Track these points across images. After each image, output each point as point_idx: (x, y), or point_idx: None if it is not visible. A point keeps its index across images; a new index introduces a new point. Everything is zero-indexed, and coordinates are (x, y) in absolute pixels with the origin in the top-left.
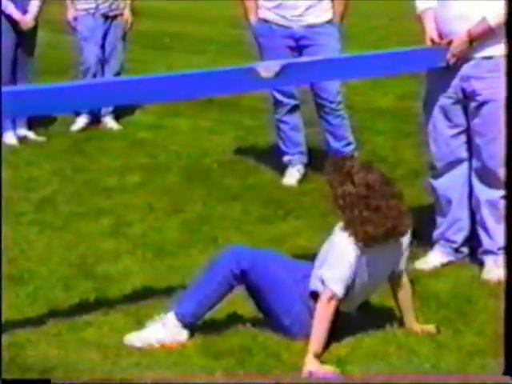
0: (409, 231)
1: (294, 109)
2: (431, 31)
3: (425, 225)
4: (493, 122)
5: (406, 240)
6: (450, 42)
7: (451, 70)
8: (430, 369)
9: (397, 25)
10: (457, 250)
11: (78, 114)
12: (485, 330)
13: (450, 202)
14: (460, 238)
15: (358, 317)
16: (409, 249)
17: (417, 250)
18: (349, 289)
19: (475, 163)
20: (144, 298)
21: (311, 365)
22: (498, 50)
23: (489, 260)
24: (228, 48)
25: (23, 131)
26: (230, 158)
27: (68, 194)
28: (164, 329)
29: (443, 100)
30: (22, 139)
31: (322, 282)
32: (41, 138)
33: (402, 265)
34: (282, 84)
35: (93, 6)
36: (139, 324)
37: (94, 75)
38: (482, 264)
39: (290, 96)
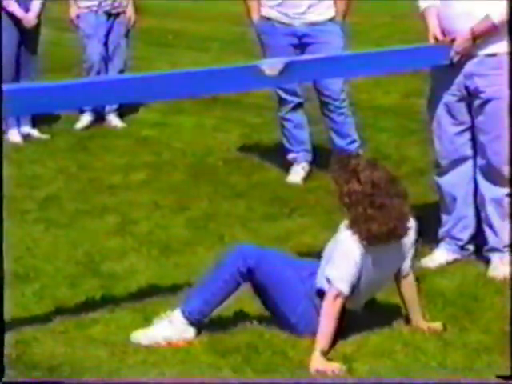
0: (410, 232)
1: (297, 106)
2: (434, 29)
3: (430, 223)
4: (497, 119)
5: (411, 238)
6: (453, 40)
7: (455, 67)
8: (436, 366)
9: (400, 22)
10: (462, 248)
11: (82, 112)
12: (491, 327)
13: (455, 199)
14: (465, 235)
15: (364, 314)
16: (414, 246)
17: (422, 248)
18: (354, 287)
19: (480, 161)
20: (150, 296)
21: (318, 362)
22: (502, 47)
23: (495, 257)
24: (232, 45)
25: (27, 129)
26: (234, 156)
27: (73, 191)
28: (171, 326)
29: (447, 97)
30: (26, 137)
31: (328, 280)
32: (45, 136)
33: (408, 262)
34: (285, 82)
35: (95, 3)
36: (146, 321)
37: (98, 73)
38: (487, 261)
39: (294, 94)
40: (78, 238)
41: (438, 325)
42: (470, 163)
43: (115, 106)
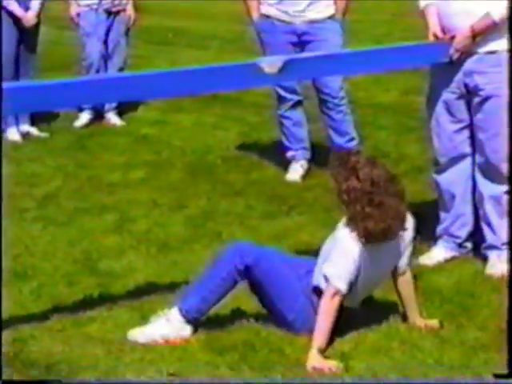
0: (407, 230)
1: (296, 104)
2: (434, 26)
3: (428, 220)
4: (496, 117)
5: (409, 235)
6: (452, 37)
7: (454, 65)
8: (433, 364)
9: (399, 20)
10: (460, 245)
11: (81, 110)
12: (488, 325)
13: (453, 197)
14: (463, 233)
15: (361, 312)
16: (412, 244)
17: (420, 246)
18: (352, 284)
19: (478, 158)
20: (148, 294)
21: (315, 360)
22: (501, 44)
23: (492, 255)
24: (231, 43)
25: (26, 127)
26: (233, 154)
27: (71, 190)
28: (168, 324)
29: (446, 95)
30: (25, 135)
31: (326, 278)
32: (44, 134)
33: (405, 260)
34: (285, 79)
35: (95, 1)
36: (143, 319)
37: (97, 71)
38: (485, 259)
39: (293, 92)
40: (76, 236)
41: (434, 322)
42: (468, 161)
43: (114, 105)
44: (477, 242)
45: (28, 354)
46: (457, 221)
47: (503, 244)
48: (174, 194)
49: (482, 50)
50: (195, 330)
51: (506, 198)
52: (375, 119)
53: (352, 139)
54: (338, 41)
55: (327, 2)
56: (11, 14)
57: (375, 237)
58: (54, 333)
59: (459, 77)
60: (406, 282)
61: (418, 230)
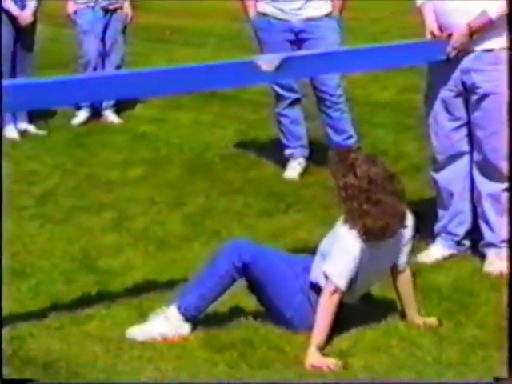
0: (406, 228)
1: (294, 102)
2: (431, 24)
3: (427, 218)
4: (493, 115)
5: (408, 233)
6: (450, 35)
7: (451, 63)
8: (431, 361)
9: (397, 18)
10: (458, 243)
11: (78, 108)
12: (486, 322)
13: (451, 195)
14: (462, 230)
15: (360, 309)
16: (411, 242)
17: (418, 243)
18: (351, 282)
19: (476, 156)
20: (146, 292)
21: (313, 358)
22: (499, 42)
23: (491, 253)
24: (228, 41)
25: (24, 125)
26: (231, 152)
27: (69, 187)
28: (166, 322)
29: (444, 93)
30: (23, 133)
31: (326, 275)
32: (41, 132)
33: (404, 258)
34: (282, 77)
35: None
36: (142, 317)
37: (95, 69)
38: (483, 257)
39: (291, 90)
40: (74, 234)
41: (433, 320)
42: (466, 159)
43: (112, 102)
44: (475, 240)
45: (26, 351)
46: (455, 218)
47: (501, 242)
48: (172, 191)
49: (480, 47)
50: (194, 328)
51: (504, 195)
52: (373, 117)
53: (350, 137)
54: (335, 39)
55: None
56: (7, 13)
57: (374, 234)
58: (53, 331)
59: (457, 75)
60: (404, 280)
61: (416, 228)
